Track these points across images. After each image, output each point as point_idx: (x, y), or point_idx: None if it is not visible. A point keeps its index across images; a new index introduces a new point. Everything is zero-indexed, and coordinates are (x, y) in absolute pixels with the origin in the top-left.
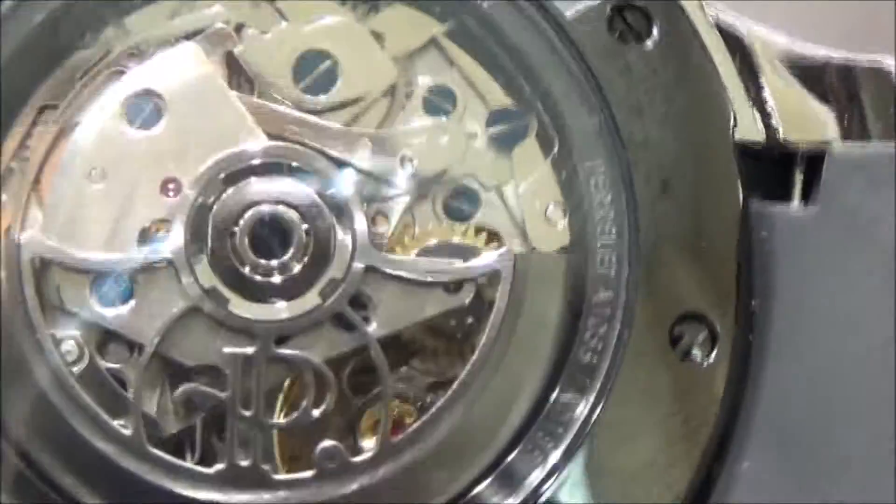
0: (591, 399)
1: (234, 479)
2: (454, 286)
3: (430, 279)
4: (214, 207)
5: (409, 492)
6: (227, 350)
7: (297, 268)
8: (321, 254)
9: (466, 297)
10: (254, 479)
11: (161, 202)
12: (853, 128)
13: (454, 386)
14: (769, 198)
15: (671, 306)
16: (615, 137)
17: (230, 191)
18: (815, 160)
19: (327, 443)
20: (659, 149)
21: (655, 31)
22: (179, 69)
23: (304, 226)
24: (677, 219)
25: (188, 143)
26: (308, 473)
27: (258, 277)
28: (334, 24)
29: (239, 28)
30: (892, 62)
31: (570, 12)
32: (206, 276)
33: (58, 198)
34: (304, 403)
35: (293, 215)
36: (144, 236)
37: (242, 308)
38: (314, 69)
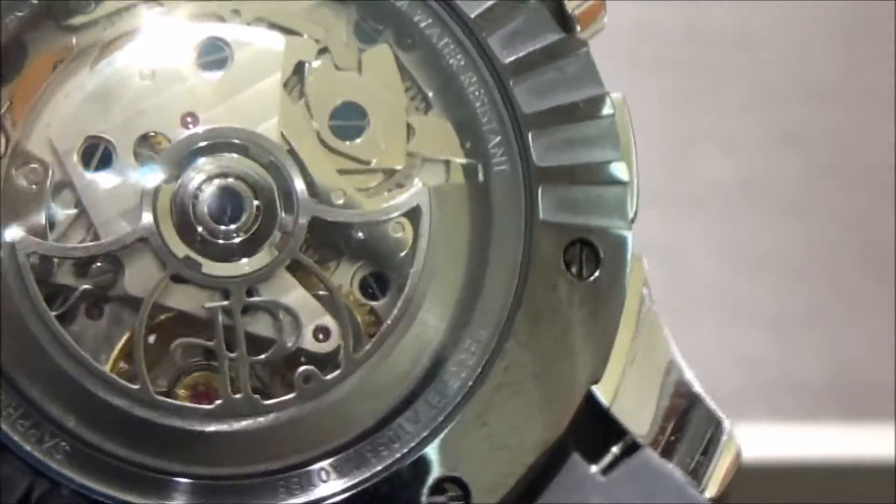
0: None
1: (231, 410)
2: (324, 335)
3: (369, 219)
4: (177, 183)
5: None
6: (208, 304)
7: (251, 230)
8: (270, 215)
9: (329, 348)
10: (248, 408)
11: (174, 128)
12: (665, 443)
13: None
14: (584, 452)
15: (449, 463)
16: (506, 327)
17: (197, 163)
18: (632, 447)
19: (303, 368)
20: (529, 356)
21: (596, 275)
22: (260, 46)
23: (256, 202)
24: (504, 414)
25: (224, 100)
26: (290, 395)
27: (221, 241)
28: (388, 100)
29: (322, 50)
30: (728, 425)
31: (544, 216)
32: (178, 247)
33: (106, 67)
34: (279, 339)
35: (245, 188)
36: (144, 139)
37: (214, 269)
38: (349, 118)
